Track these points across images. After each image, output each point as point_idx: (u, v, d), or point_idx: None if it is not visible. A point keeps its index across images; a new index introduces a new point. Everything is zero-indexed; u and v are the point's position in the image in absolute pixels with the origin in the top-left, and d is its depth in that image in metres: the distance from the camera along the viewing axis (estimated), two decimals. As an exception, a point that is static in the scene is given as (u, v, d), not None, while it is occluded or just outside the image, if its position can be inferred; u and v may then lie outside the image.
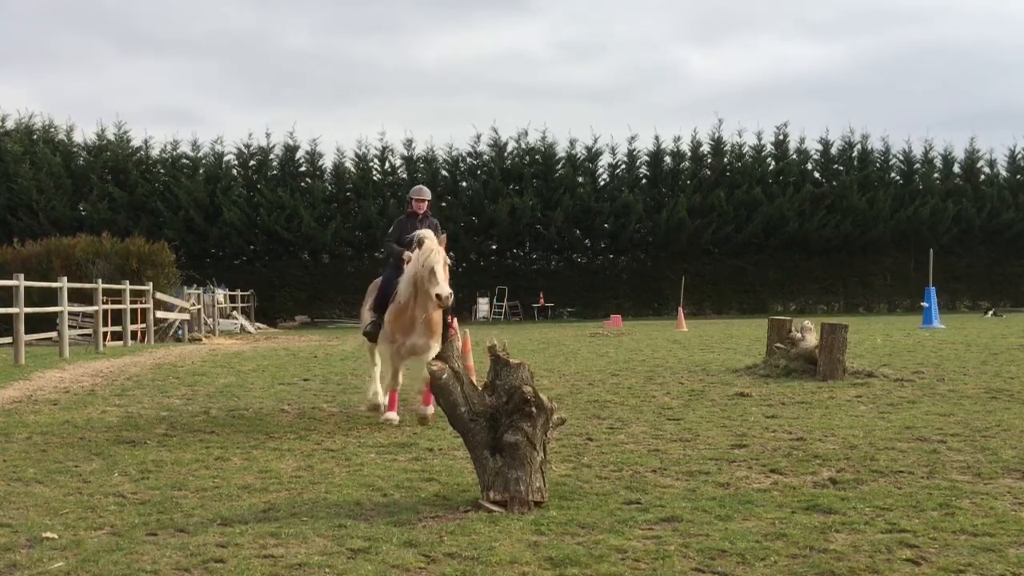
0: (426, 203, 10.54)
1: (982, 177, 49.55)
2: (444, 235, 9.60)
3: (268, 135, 47.10)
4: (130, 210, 43.07)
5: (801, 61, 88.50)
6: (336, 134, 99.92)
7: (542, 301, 44.54)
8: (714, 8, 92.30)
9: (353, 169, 46.84)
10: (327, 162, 47.03)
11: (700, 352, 18.45)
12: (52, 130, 46.42)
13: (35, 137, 45.58)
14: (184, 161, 45.89)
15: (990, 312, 38.00)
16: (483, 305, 44.02)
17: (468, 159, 47.27)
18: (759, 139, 48.63)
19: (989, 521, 5.28)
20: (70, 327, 20.72)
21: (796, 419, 9.33)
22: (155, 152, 46.28)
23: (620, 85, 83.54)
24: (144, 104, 74.54)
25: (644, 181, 47.59)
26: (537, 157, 47.08)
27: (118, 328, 23.92)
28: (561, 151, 47.45)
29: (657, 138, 48.05)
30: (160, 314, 26.44)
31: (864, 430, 8.52)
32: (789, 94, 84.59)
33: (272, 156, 46.36)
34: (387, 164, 47.17)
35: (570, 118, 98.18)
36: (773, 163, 48.77)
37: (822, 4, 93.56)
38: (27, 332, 17.68)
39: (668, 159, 47.95)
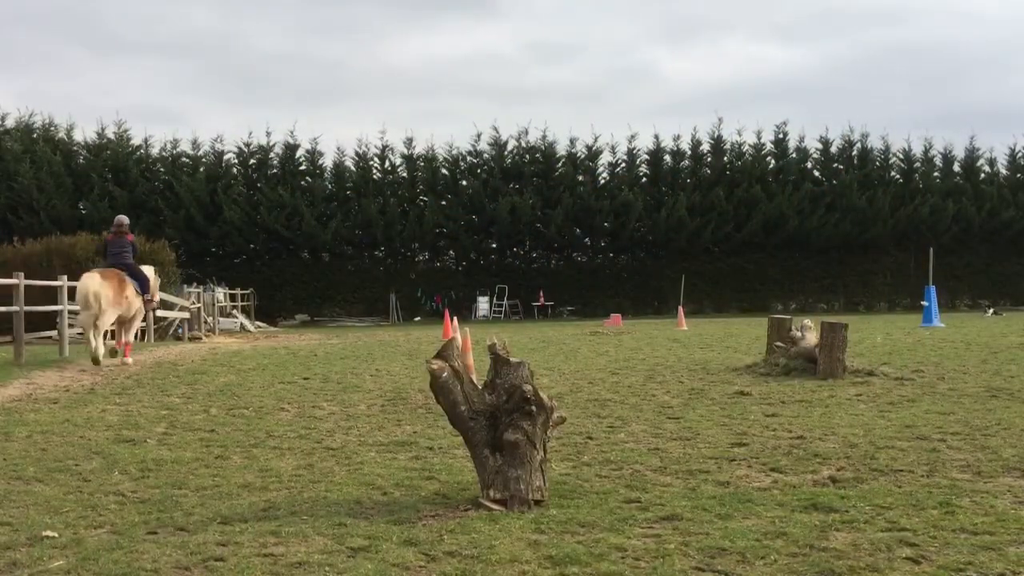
0: None
1: (982, 176, 49.53)
2: None
3: (268, 133, 47.01)
4: (130, 209, 42.96)
5: (772, 63, 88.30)
6: (314, 134, 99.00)
7: (542, 300, 44.56)
8: (683, 10, 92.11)
9: (353, 168, 46.85)
10: (327, 160, 47.10)
11: (700, 351, 18.45)
12: (52, 129, 46.42)
13: (35, 136, 45.57)
14: (184, 160, 45.91)
15: (991, 311, 37.97)
16: (483, 304, 44.05)
17: (468, 157, 47.29)
18: (759, 138, 48.63)
19: (989, 519, 5.28)
20: (70, 325, 20.71)
21: (796, 418, 9.33)
22: (155, 151, 46.33)
23: (595, 87, 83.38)
24: (118, 105, 74.14)
25: (644, 180, 47.59)
26: (537, 156, 47.09)
27: (118, 327, 23.87)
28: (561, 149, 47.49)
29: (657, 136, 48.08)
30: (160, 312, 26.42)
31: (864, 428, 8.51)
32: (771, 94, 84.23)
33: (272, 155, 46.38)
34: (387, 163, 47.20)
35: (549, 119, 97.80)
36: (773, 162, 48.77)
37: (791, 6, 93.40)
38: (27, 331, 17.67)
39: (668, 158, 47.93)
